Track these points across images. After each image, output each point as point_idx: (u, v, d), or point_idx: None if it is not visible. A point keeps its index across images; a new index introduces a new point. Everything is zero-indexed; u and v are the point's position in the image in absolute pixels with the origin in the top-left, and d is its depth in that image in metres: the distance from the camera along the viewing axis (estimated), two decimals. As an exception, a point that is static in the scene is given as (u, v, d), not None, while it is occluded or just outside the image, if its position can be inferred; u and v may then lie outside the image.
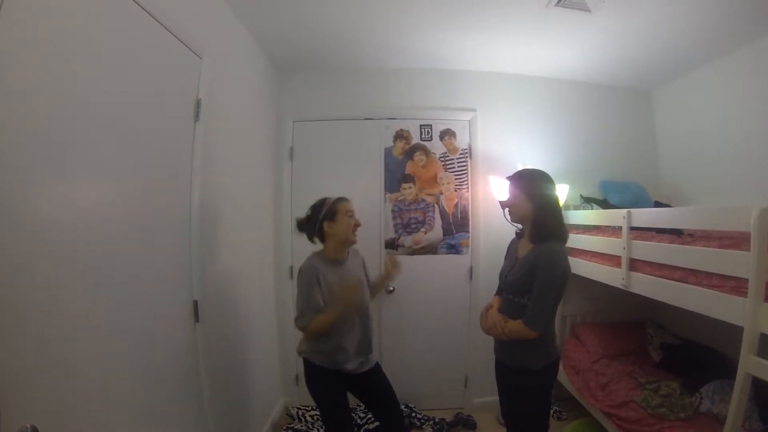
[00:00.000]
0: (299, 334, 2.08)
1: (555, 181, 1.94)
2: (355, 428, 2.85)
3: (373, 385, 2.22)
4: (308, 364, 2.09)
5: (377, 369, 2.25)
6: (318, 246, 2.19)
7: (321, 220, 2.11)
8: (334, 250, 2.14)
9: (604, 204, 3.20)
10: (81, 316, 1.27)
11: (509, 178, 1.99)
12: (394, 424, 2.23)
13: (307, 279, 2.01)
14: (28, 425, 0.98)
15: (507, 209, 2.00)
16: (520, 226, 2.01)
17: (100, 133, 1.37)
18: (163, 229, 1.77)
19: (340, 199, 2.16)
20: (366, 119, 3.36)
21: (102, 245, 1.37)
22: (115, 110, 1.44)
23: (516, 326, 1.80)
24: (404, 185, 3.33)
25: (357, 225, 2.16)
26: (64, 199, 1.23)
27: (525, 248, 1.91)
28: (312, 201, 2.20)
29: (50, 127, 1.16)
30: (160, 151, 1.76)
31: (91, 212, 1.34)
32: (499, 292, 2.07)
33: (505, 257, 2.10)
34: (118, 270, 1.45)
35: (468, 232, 3.35)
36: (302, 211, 2.23)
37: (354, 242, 2.18)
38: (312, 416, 3.05)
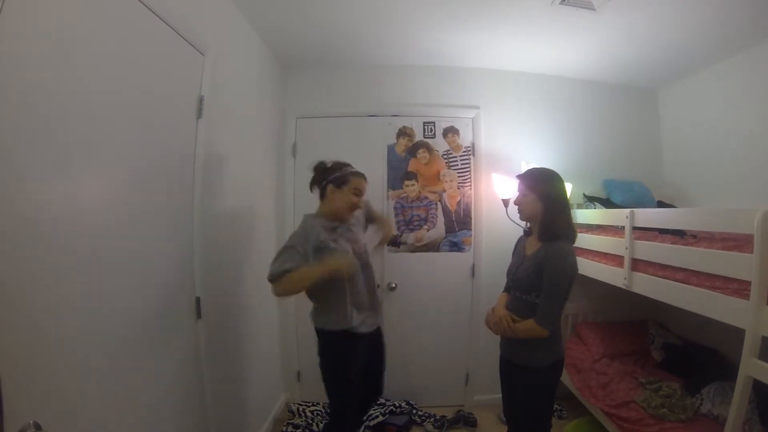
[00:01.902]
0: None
1: (564, 181, 1.95)
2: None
3: (373, 364, 2.21)
4: (322, 334, 2.05)
5: (379, 332, 2.24)
6: (313, 201, 2.16)
7: (329, 180, 2.07)
8: (327, 214, 2.08)
9: (607, 203, 3.19)
10: (82, 313, 1.28)
11: (519, 176, 1.99)
12: (375, 388, 2.28)
13: (301, 233, 1.97)
14: (31, 422, 0.99)
15: (516, 207, 2.00)
16: (527, 224, 2.02)
17: (102, 130, 1.37)
18: (165, 226, 1.78)
19: (356, 174, 2.12)
20: (369, 116, 3.35)
21: (104, 242, 1.38)
22: (116, 107, 1.44)
23: (527, 325, 1.81)
24: (407, 182, 3.33)
25: (356, 206, 2.12)
26: (65, 196, 1.23)
27: (533, 246, 1.92)
28: (314, 198, 2.19)
29: (52, 123, 1.17)
30: (162, 148, 1.76)
31: (93, 209, 1.35)
32: (507, 289, 2.07)
33: (513, 254, 2.11)
34: (120, 267, 1.46)
35: (470, 229, 3.35)
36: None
37: (345, 221, 2.13)
38: (312, 412, 3.07)
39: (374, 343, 2.20)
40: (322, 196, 2.11)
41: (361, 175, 2.14)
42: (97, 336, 1.34)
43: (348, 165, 2.14)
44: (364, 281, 2.11)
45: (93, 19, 1.32)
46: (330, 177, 2.07)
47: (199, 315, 2.00)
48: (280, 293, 1.94)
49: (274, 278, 1.87)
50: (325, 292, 1.99)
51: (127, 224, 1.50)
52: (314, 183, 2.15)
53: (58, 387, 1.17)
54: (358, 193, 2.11)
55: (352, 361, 2.05)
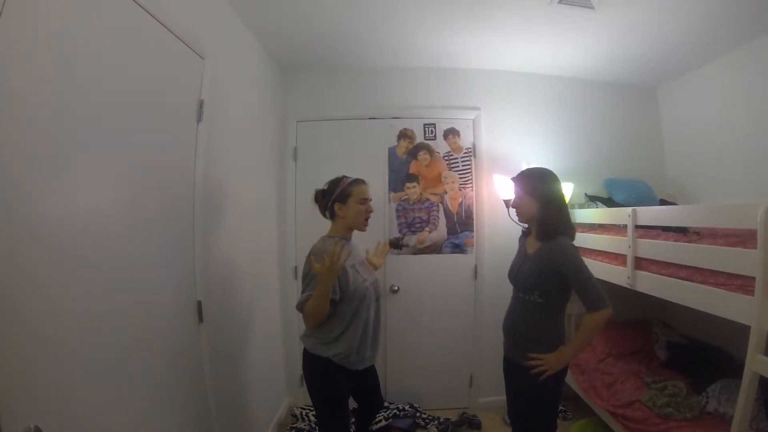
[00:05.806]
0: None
1: (559, 179, 1.93)
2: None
3: (367, 380, 2.13)
4: (313, 356, 1.92)
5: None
6: (328, 224, 2.08)
7: (332, 200, 2.01)
8: (341, 230, 2.02)
9: (609, 202, 3.18)
10: (83, 317, 1.27)
11: (513, 178, 1.99)
12: (375, 406, 2.26)
13: (317, 256, 1.83)
14: (32, 426, 0.99)
15: (514, 210, 1.99)
16: (527, 225, 2.01)
17: (103, 134, 1.37)
18: (166, 230, 1.78)
19: (356, 182, 2.04)
20: (370, 119, 3.36)
21: (104, 246, 1.38)
22: (117, 111, 1.44)
23: (588, 324, 1.76)
24: (408, 184, 3.33)
25: (369, 212, 2.05)
26: (66, 200, 1.23)
27: (533, 246, 1.91)
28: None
29: (53, 128, 1.17)
30: (162, 152, 1.76)
31: (94, 213, 1.35)
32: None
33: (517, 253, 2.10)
34: (121, 271, 1.46)
35: (472, 231, 3.34)
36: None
37: (363, 230, 2.06)
38: (315, 416, 3.05)
39: (365, 376, 2.09)
40: (333, 217, 2.05)
41: (360, 181, 2.07)
42: (98, 340, 1.33)
43: (343, 177, 2.07)
44: (375, 316, 2.03)
45: (93, 25, 1.33)
46: (332, 197, 2.01)
47: (200, 319, 2.00)
48: (308, 321, 1.87)
49: (299, 307, 1.84)
50: (339, 323, 1.91)
51: (127, 228, 1.50)
52: (322, 210, 2.09)
53: (58, 391, 1.16)
54: (364, 201, 2.03)
55: (344, 393, 1.96)
